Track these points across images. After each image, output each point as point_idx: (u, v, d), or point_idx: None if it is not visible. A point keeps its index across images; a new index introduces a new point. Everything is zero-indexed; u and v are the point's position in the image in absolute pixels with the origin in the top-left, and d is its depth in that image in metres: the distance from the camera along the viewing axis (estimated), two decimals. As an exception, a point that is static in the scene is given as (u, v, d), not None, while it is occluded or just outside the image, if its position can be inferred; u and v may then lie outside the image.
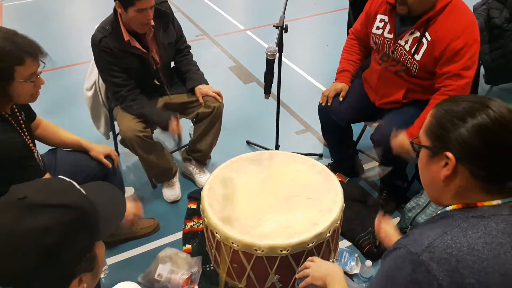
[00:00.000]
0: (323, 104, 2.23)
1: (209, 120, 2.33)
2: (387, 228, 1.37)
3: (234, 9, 5.18)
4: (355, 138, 2.60)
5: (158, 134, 2.75)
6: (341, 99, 2.19)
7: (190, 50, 2.47)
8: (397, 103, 2.10)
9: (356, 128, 2.50)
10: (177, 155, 2.74)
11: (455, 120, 0.90)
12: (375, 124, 2.24)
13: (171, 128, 2.14)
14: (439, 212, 0.96)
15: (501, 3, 2.78)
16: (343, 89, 2.20)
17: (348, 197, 1.98)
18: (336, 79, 2.26)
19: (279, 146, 2.48)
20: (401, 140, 1.83)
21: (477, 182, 0.90)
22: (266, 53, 1.97)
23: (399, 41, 1.95)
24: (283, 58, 2.17)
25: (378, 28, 2.04)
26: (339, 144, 2.46)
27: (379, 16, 2.04)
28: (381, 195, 2.34)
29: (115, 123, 2.46)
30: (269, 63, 2.00)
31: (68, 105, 3.28)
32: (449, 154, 0.90)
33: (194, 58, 2.48)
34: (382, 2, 2.01)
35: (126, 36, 2.07)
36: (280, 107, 2.38)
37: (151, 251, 2.13)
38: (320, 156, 2.71)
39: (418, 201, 1.98)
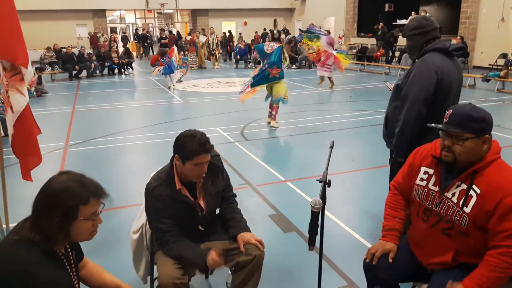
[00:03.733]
0: (367, 261, 2.15)
1: (249, 269, 2.28)
2: None
3: (276, 162, 5.49)
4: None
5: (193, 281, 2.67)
6: (390, 260, 2.10)
7: (236, 198, 2.56)
8: (446, 264, 1.99)
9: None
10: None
11: None
12: (425, 286, 2.10)
13: (210, 258, 2.13)
14: None
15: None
16: (392, 250, 2.12)
17: None
18: (383, 237, 2.19)
19: (321, 303, 2.33)
20: None
21: None
22: (311, 206, 2.01)
23: (446, 194, 1.94)
24: (325, 211, 2.20)
25: (422, 179, 2.06)
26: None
27: (423, 169, 2.06)
28: None
29: (155, 267, 2.44)
30: (314, 215, 2.02)
31: (111, 246, 3.34)
32: None
33: (236, 206, 2.54)
34: (426, 155, 2.07)
35: (178, 185, 2.22)
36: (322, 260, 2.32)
37: None
38: (366, 316, 2.50)
39: None
